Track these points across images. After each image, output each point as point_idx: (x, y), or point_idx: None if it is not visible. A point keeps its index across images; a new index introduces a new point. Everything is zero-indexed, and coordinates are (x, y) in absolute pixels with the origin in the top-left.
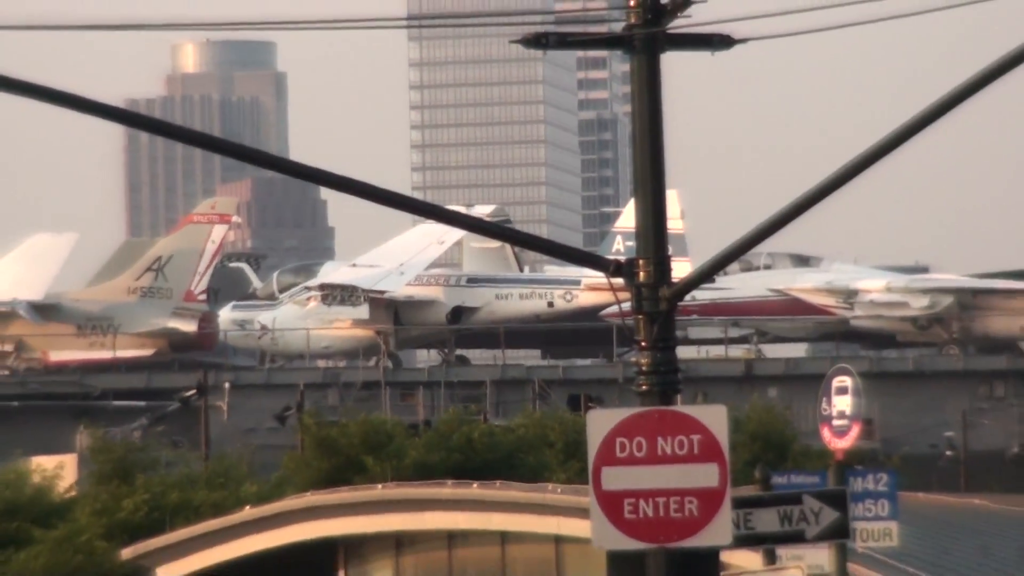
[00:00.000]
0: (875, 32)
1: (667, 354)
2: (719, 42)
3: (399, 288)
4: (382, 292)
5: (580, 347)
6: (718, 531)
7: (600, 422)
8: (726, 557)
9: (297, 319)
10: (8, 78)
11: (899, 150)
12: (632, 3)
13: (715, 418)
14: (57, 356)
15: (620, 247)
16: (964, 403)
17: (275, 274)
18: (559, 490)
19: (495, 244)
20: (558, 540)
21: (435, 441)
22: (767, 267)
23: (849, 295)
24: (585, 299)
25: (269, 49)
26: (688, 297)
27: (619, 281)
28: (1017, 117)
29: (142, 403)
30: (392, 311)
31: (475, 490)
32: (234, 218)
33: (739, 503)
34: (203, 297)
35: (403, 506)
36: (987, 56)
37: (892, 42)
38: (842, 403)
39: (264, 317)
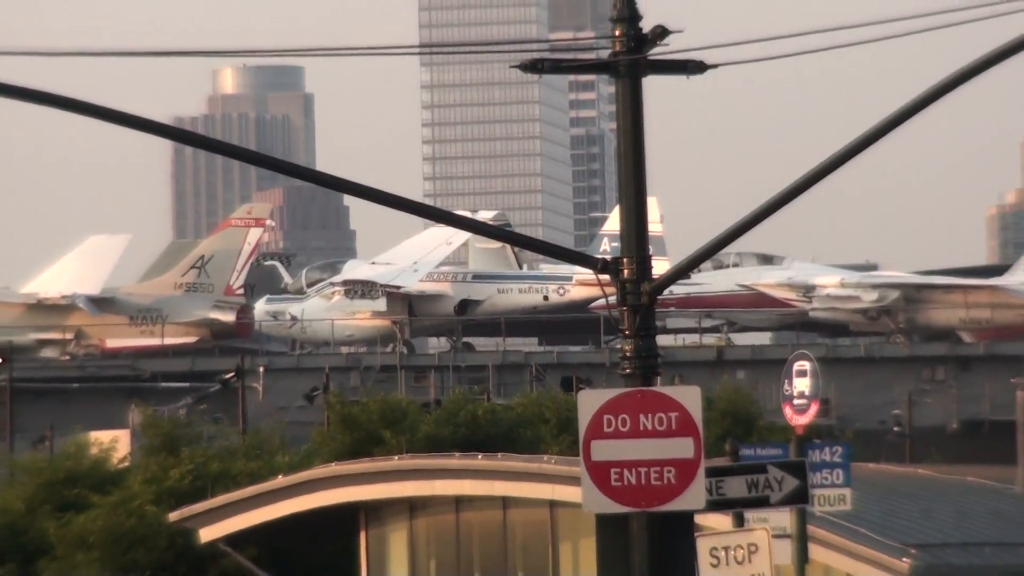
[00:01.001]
0: (831, 58)
1: (648, 342)
2: (693, 68)
3: (413, 283)
4: (398, 287)
5: (572, 335)
6: (693, 497)
7: (589, 401)
8: (700, 520)
9: (323, 311)
10: (75, 100)
11: (851, 162)
12: (617, 33)
13: (690, 398)
14: (112, 343)
15: (606, 247)
16: (909, 385)
17: (304, 271)
18: (553, 461)
19: (497, 245)
20: (552, 505)
21: (444, 417)
22: (735, 265)
23: (808, 290)
24: (576, 293)
25: (298, 73)
26: (666, 291)
27: (606, 277)
28: (955, 132)
29: (187, 384)
30: (407, 304)
31: (479, 461)
32: (268, 222)
33: (711, 472)
34: (241, 291)
35: (416, 475)
36: (928, 79)
37: (845, 66)
38: (802, 384)
39: (294, 309)
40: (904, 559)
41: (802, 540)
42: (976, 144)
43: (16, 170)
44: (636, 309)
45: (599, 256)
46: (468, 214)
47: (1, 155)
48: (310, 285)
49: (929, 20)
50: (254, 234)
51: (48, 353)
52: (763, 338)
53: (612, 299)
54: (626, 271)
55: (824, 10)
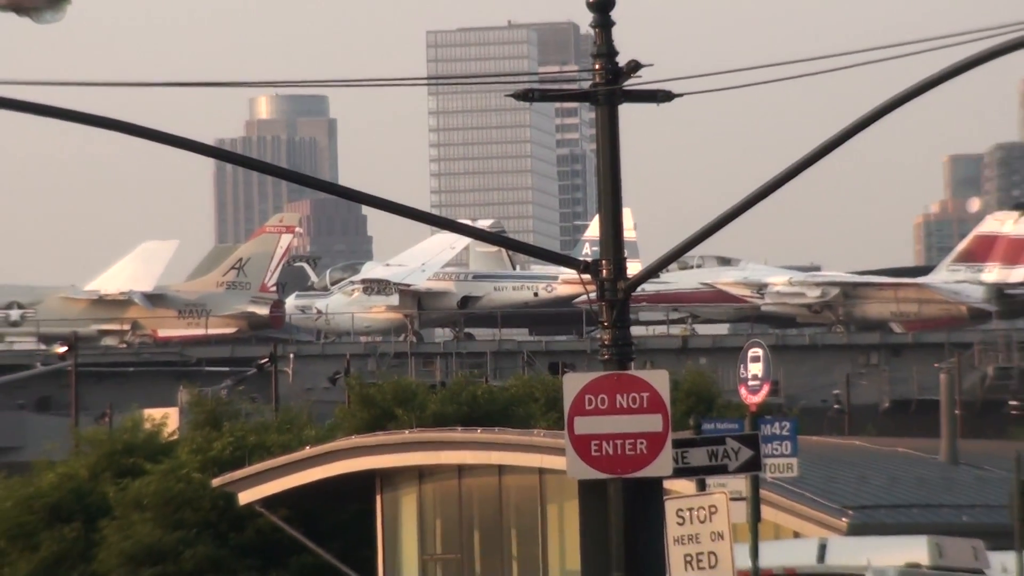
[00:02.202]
0: (781, 87)
1: (623, 332)
2: (662, 96)
3: (421, 282)
4: (409, 285)
5: (558, 326)
6: (661, 465)
7: (573, 383)
8: (667, 484)
9: (344, 305)
10: (137, 126)
11: (798, 177)
12: (596, 66)
13: (659, 380)
14: (163, 333)
15: (588, 251)
16: (847, 368)
17: (328, 271)
18: (542, 434)
19: (493, 249)
20: (541, 472)
21: (448, 397)
22: (699, 266)
23: (760, 287)
24: (562, 290)
25: (323, 101)
26: (639, 289)
27: (587, 276)
28: (888, 151)
29: (227, 368)
30: (416, 299)
31: (478, 434)
32: (297, 229)
33: (677, 444)
34: (274, 288)
35: (424, 446)
36: (864, 106)
37: (793, 93)
38: (755, 368)
39: (320, 304)
40: (843, 519)
41: (755, 502)
42: (905, 161)
43: (81, 184)
44: (613, 304)
45: (581, 258)
46: (469, 222)
47: (68, 171)
48: (333, 283)
49: (865, 56)
50: (285, 239)
51: (108, 342)
52: (722, 329)
53: (593, 295)
54: (604, 271)
55: (775, 45)
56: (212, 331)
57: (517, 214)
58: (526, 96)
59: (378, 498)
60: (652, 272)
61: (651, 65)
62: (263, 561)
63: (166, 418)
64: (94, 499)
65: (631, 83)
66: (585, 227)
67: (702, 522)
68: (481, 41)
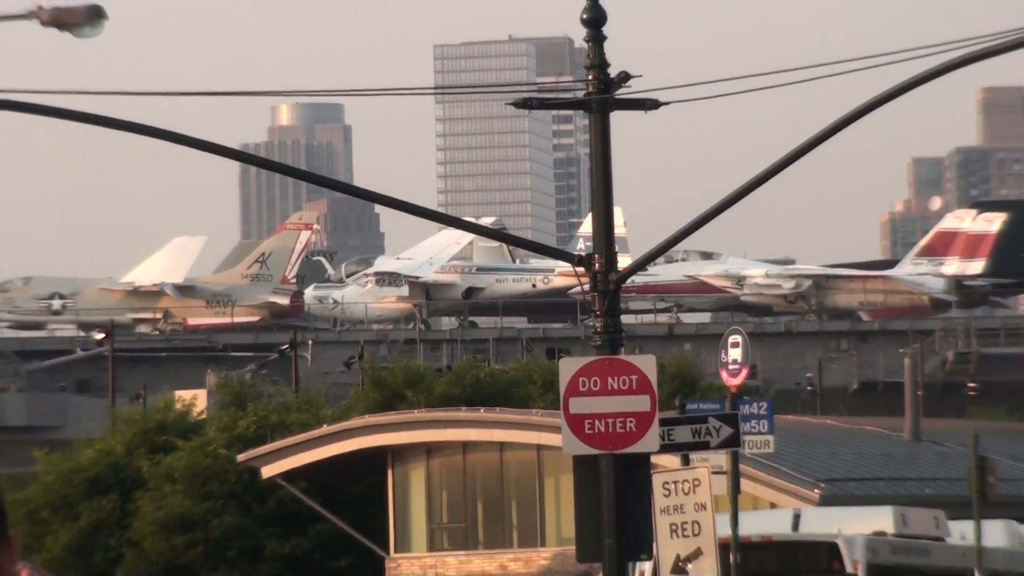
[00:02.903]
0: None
1: (614, 320)
2: (650, 104)
3: (429, 274)
4: (417, 277)
5: (554, 315)
6: (649, 441)
7: (568, 366)
8: (654, 460)
9: (359, 296)
10: (172, 132)
11: (774, 178)
12: (590, 77)
13: (647, 364)
14: (192, 321)
15: (581, 246)
16: (819, 353)
17: (343, 265)
18: (540, 414)
19: (495, 244)
20: (539, 448)
21: (454, 380)
22: (683, 260)
23: (740, 279)
24: (558, 282)
25: (339, 109)
26: (629, 280)
27: (581, 269)
28: (857, 154)
29: (251, 353)
30: (424, 290)
31: (481, 414)
32: (315, 226)
33: (664, 422)
34: (294, 280)
35: (431, 424)
36: (835, 113)
37: (772, 101)
38: (735, 353)
39: (336, 294)
40: (815, 491)
41: (735, 476)
42: (873, 163)
43: (118, 185)
44: (605, 294)
45: (576, 253)
46: (472, 219)
47: (106, 173)
48: (348, 276)
49: (834, 67)
50: (304, 236)
51: (142, 329)
52: (704, 317)
53: (586, 287)
54: (597, 264)
55: (754, 58)
56: (237, 319)
57: (517, 212)
58: (525, 104)
59: (389, 472)
60: (641, 265)
61: (640, 76)
62: (284, 529)
63: (195, 399)
64: (129, 473)
65: (621, 92)
66: (579, 224)
67: (686, 494)
68: (484, 54)
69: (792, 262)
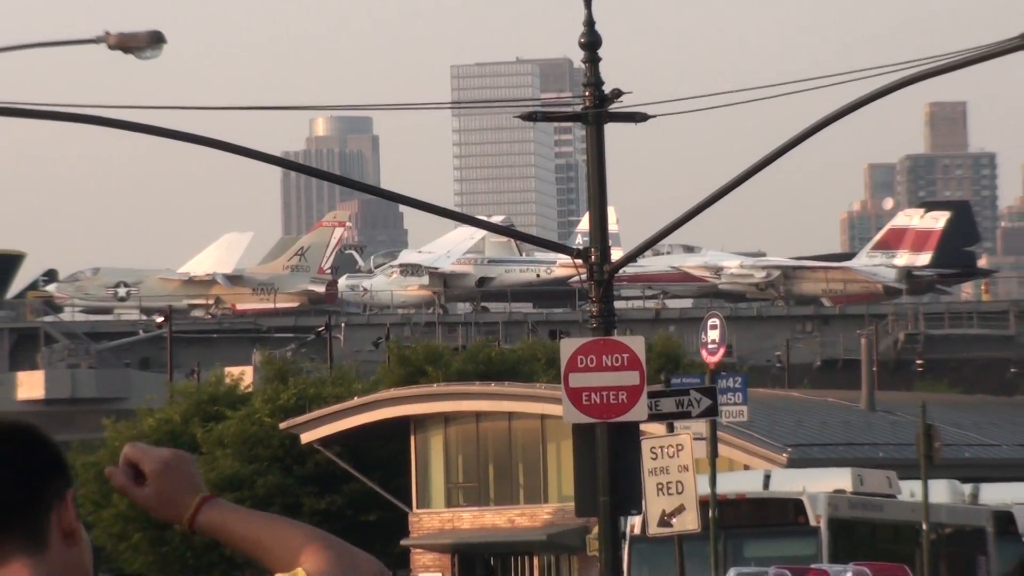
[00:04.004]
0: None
1: (608, 305)
2: (639, 117)
3: (447, 265)
4: (437, 268)
5: (556, 301)
6: (638, 411)
7: (568, 346)
8: (643, 427)
9: (385, 284)
10: (227, 143)
11: (747, 182)
12: (586, 94)
13: (636, 344)
14: (241, 306)
15: (580, 241)
16: (786, 334)
17: (372, 257)
18: (543, 387)
19: (504, 239)
20: (543, 417)
21: (468, 357)
22: (668, 253)
23: (718, 270)
24: (559, 272)
25: (368, 121)
26: (621, 271)
27: (580, 261)
28: (821, 159)
29: (292, 335)
30: (442, 279)
31: (492, 387)
32: (347, 223)
33: (651, 394)
34: (329, 271)
35: (449, 397)
36: (802, 124)
37: (748, 114)
38: (713, 334)
39: (365, 283)
40: (783, 454)
41: (713, 441)
42: (833, 168)
43: (176, 188)
44: (600, 283)
45: (575, 247)
46: (485, 218)
47: (166, 178)
48: (376, 267)
49: (801, 84)
50: (338, 232)
51: (196, 313)
52: (687, 303)
53: (584, 276)
54: (593, 257)
55: (733, 74)
56: (280, 305)
57: (523, 211)
58: (530, 117)
59: (412, 438)
60: (631, 258)
61: (630, 92)
62: (320, 488)
63: (243, 374)
64: (185, 439)
65: (614, 107)
66: (577, 222)
67: (671, 457)
68: (494, 73)
69: (763, 254)
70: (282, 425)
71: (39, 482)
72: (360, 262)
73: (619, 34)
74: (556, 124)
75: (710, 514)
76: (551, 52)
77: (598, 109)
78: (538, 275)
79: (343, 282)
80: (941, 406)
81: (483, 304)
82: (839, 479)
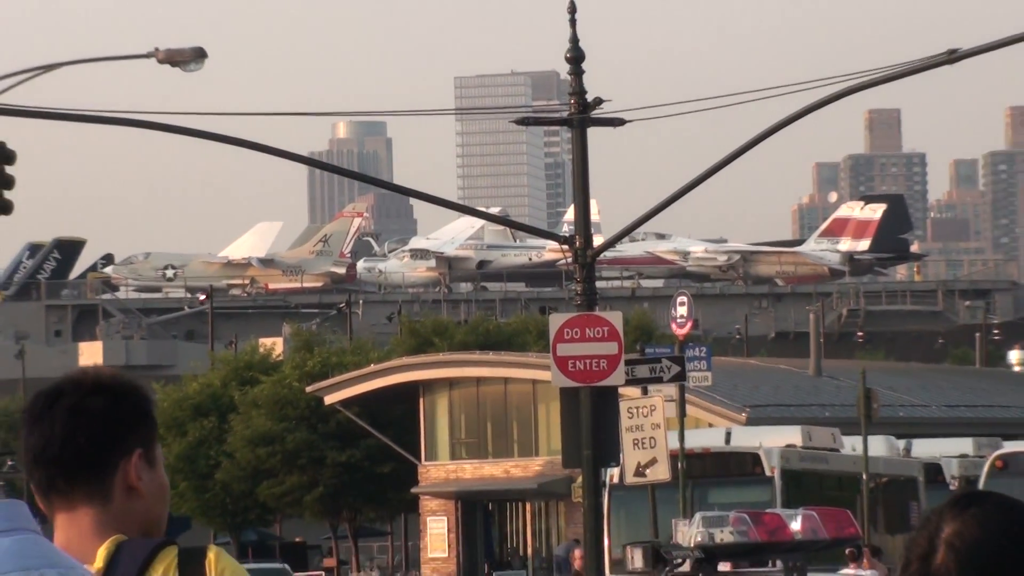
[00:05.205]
0: (708, 114)
1: (590, 285)
2: (617, 122)
3: (451, 250)
4: (442, 252)
5: (546, 281)
6: (617, 377)
7: (556, 321)
8: (621, 391)
9: (398, 267)
10: (258, 144)
11: (710, 179)
12: (572, 101)
13: (615, 319)
14: (272, 286)
15: (566, 229)
16: (745, 310)
17: (386, 243)
18: (534, 356)
19: (501, 228)
20: (534, 382)
21: (469, 330)
22: (643, 239)
23: (686, 254)
24: (548, 256)
25: (383, 125)
26: (601, 255)
27: (566, 246)
28: (777, 156)
29: (317, 310)
30: (447, 263)
31: (490, 356)
32: (364, 214)
33: (628, 362)
34: (349, 255)
35: (452, 364)
36: (761, 125)
37: (717, 118)
38: (682, 310)
39: (381, 266)
40: (742, 414)
41: (682, 402)
42: (786, 166)
43: (218, 183)
44: (583, 265)
45: (562, 234)
46: (484, 209)
47: (209, 175)
48: (390, 252)
49: (761, 93)
50: (357, 222)
51: (234, 292)
52: (659, 283)
53: (569, 260)
54: (578, 243)
55: (699, 82)
56: (306, 284)
57: (517, 203)
58: (523, 122)
59: (420, 400)
60: (611, 244)
61: (610, 100)
62: (341, 443)
63: (274, 345)
64: (224, 400)
65: (596, 113)
66: (564, 212)
67: (645, 416)
68: (492, 84)
69: (725, 241)
70: (308, 388)
71: (113, 439)
72: (376, 247)
73: (601, 48)
74: (546, 128)
75: (679, 466)
76: (542, 65)
77: (582, 115)
78: (530, 259)
79: (361, 265)
80: (879, 372)
81: (482, 284)
82: (791, 435)
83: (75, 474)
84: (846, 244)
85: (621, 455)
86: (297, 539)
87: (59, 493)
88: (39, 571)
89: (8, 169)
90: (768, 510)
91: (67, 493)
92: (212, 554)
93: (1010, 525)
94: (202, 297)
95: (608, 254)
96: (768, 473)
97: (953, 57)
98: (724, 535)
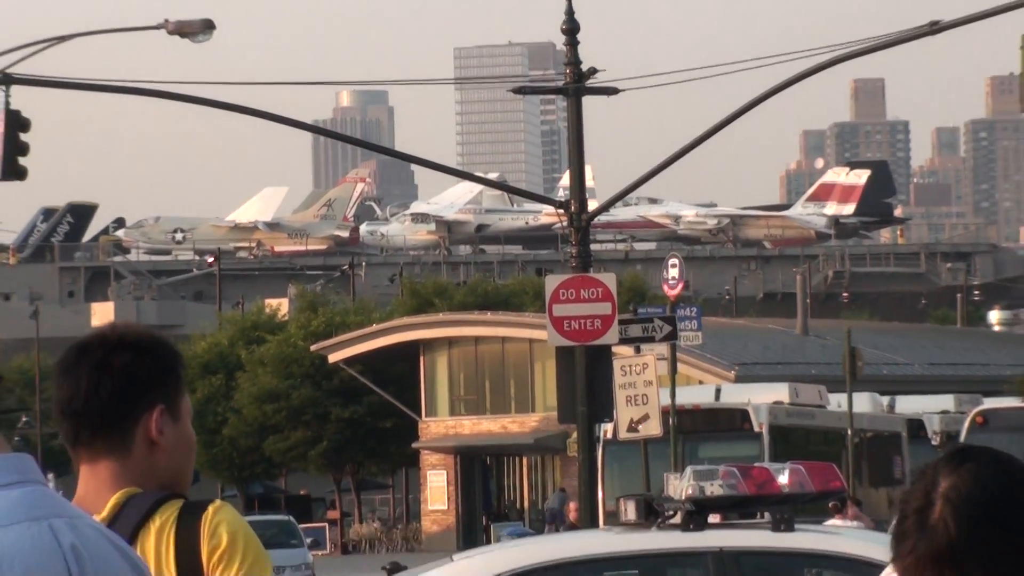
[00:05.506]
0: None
1: (585, 248)
2: (610, 91)
3: (451, 214)
4: (442, 216)
5: (542, 244)
6: (610, 336)
7: (552, 281)
8: (615, 349)
9: (399, 230)
10: (268, 113)
11: (701, 145)
12: (567, 71)
13: (609, 280)
14: (278, 248)
15: (562, 194)
16: (734, 272)
17: (388, 207)
18: (531, 316)
19: (499, 193)
20: (531, 341)
21: (468, 291)
22: (636, 204)
23: (677, 218)
24: (544, 220)
25: (385, 95)
26: (596, 219)
27: (561, 211)
28: (764, 124)
29: (321, 271)
30: (447, 226)
31: (488, 316)
32: (367, 179)
33: (621, 322)
34: (352, 219)
35: (452, 324)
36: (751, 93)
37: (704, 87)
38: (673, 272)
39: (383, 229)
40: (731, 371)
41: (673, 361)
42: (774, 133)
43: (226, 150)
44: (578, 229)
45: (558, 199)
46: (482, 175)
47: (216, 140)
48: (391, 216)
49: (751, 63)
50: (359, 187)
51: (241, 254)
52: (651, 246)
53: (565, 223)
54: (573, 207)
55: (690, 52)
56: (311, 247)
57: (514, 169)
58: (520, 91)
59: (421, 358)
60: (604, 208)
61: (604, 70)
62: (345, 400)
63: (280, 305)
64: (232, 359)
65: (590, 82)
66: (560, 178)
67: (638, 374)
68: (490, 54)
69: (715, 205)
70: (313, 347)
71: (134, 395)
72: (378, 212)
73: (596, 20)
74: (542, 97)
75: (670, 421)
76: (538, 36)
77: (577, 84)
78: (527, 222)
79: (364, 228)
80: (863, 332)
81: (481, 247)
82: (778, 392)
83: (97, 427)
84: (832, 208)
85: (614, 411)
86: (302, 492)
87: (83, 445)
88: (47, 520)
89: (23, 136)
90: (756, 464)
91: (90, 445)
92: (211, 508)
93: (1005, 479)
94: (210, 259)
95: (602, 218)
96: (756, 429)
97: (935, 28)
98: (714, 488)
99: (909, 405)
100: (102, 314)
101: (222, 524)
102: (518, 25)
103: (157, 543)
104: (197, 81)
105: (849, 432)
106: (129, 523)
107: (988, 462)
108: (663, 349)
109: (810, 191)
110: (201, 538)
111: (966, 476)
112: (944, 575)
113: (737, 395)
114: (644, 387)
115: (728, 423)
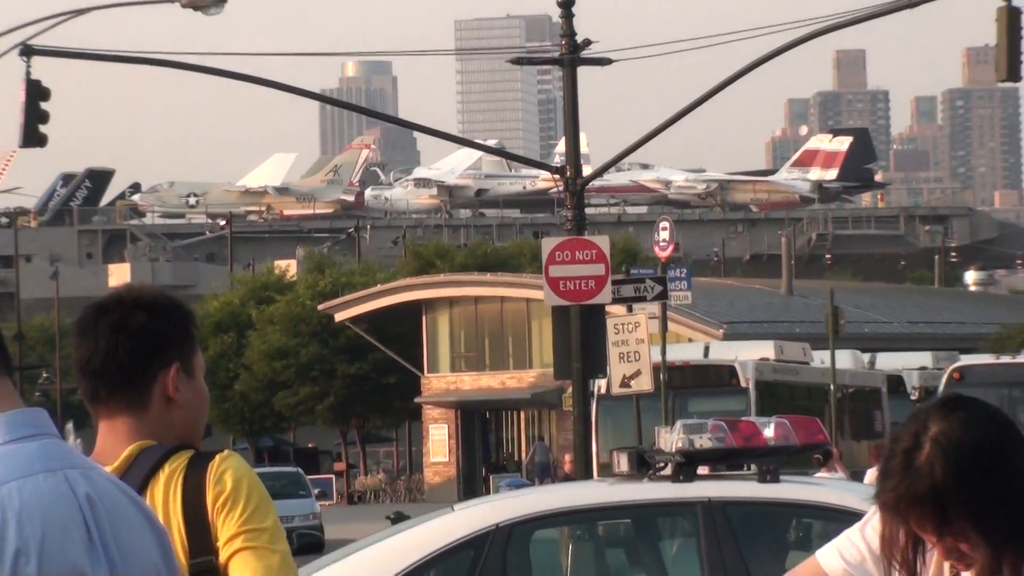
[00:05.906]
0: (687, 54)
1: (580, 211)
2: (604, 62)
3: (452, 179)
4: (443, 181)
5: (539, 208)
6: (604, 296)
7: (548, 244)
8: (608, 309)
9: (402, 195)
10: (276, 82)
11: (691, 113)
12: (563, 42)
13: (602, 242)
14: (287, 212)
15: (558, 160)
16: (723, 234)
17: (392, 173)
18: (528, 277)
19: (497, 159)
20: (528, 301)
21: (468, 253)
22: (628, 169)
23: (668, 183)
24: (541, 185)
25: (388, 65)
26: (590, 184)
27: (557, 176)
28: (750, 91)
29: (328, 235)
30: (448, 191)
31: (488, 276)
32: (372, 146)
33: (614, 282)
34: (357, 184)
35: (453, 284)
36: (739, 63)
37: (695, 57)
38: (664, 234)
39: (387, 194)
40: (719, 329)
41: (664, 319)
42: (761, 101)
43: (238, 118)
44: (573, 193)
45: (554, 165)
46: (482, 142)
47: (228, 107)
48: (395, 181)
49: (740, 35)
50: (364, 153)
51: (251, 218)
52: (643, 209)
53: (561, 188)
54: (568, 173)
55: (683, 23)
56: (318, 211)
57: (512, 136)
58: (518, 62)
59: (423, 317)
60: (598, 173)
61: (598, 41)
62: (350, 357)
63: (289, 267)
64: (243, 318)
65: (585, 53)
66: (555, 145)
67: (630, 332)
68: (489, 27)
69: (703, 170)
70: (320, 307)
71: (151, 353)
72: (382, 177)
73: None
74: (539, 67)
75: (661, 377)
76: (535, 9)
77: (572, 55)
78: (524, 187)
79: (368, 193)
80: (845, 292)
81: (480, 210)
82: (764, 349)
83: (116, 385)
84: (815, 174)
85: (608, 367)
86: (310, 445)
87: (101, 402)
88: (63, 471)
89: (43, 105)
90: (743, 418)
91: (108, 402)
92: (219, 457)
93: (993, 429)
94: (222, 223)
95: (596, 183)
96: (743, 384)
97: (914, 1)
98: (703, 441)
99: (889, 362)
100: (119, 275)
101: (227, 471)
102: None
103: (165, 491)
104: (209, 52)
105: (832, 388)
106: (140, 473)
107: (978, 412)
108: (654, 308)
109: (794, 157)
110: (207, 485)
111: (956, 423)
112: (923, 515)
113: (725, 352)
114: (636, 344)
115: (716, 379)
